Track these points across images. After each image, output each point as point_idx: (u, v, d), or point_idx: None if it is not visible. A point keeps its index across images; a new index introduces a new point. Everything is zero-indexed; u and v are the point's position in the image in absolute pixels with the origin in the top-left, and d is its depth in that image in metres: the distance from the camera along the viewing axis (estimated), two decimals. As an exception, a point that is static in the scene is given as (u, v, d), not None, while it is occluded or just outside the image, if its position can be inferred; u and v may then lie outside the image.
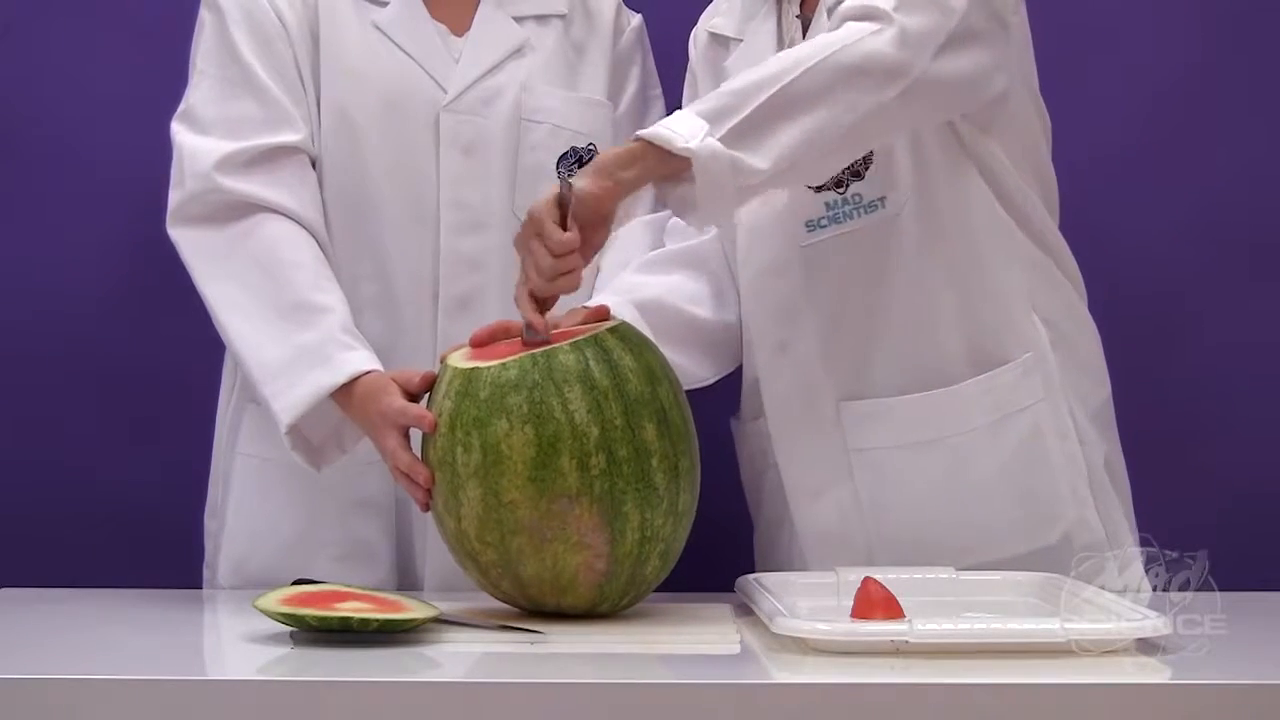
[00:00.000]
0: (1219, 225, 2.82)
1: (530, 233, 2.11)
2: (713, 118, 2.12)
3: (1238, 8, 2.82)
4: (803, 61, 2.14)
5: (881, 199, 2.31)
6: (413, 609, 2.04)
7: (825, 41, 2.16)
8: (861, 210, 2.31)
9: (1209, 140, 2.82)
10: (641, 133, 2.13)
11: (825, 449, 2.36)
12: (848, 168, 2.28)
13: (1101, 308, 2.42)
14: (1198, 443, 2.81)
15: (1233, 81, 2.82)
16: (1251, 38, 2.83)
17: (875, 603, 2.01)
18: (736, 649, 1.98)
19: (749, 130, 2.11)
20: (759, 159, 2.12)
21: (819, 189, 2.31)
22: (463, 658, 1.97)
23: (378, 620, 1.99)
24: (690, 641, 2.02)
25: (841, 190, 2.31)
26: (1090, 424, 2.35)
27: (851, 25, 2.16)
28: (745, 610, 2.15)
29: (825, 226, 2.33)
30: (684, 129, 2.11)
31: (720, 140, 2.10)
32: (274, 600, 2.01)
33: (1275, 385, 2.82)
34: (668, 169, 2.11)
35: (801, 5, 2.38)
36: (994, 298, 2.33)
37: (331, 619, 1.98)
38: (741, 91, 2.14)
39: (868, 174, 2.30)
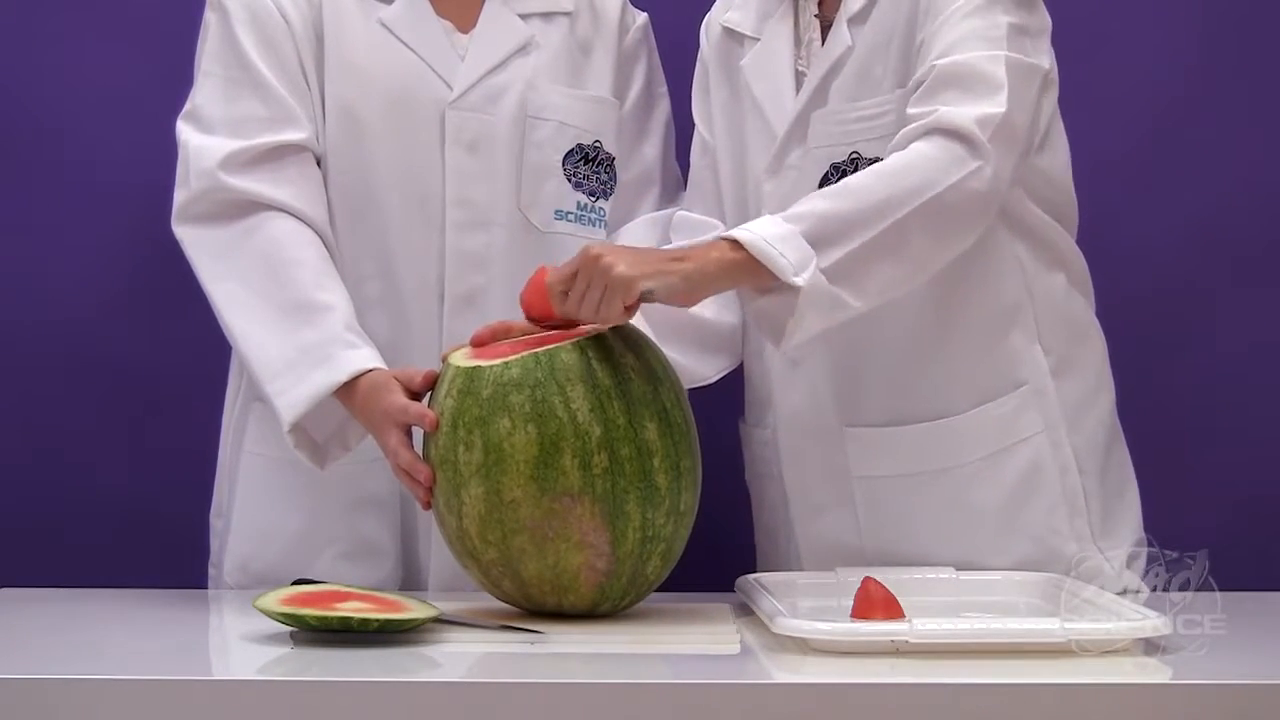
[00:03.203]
0: (1220, 230, 2.81)
1: (601, 287, 2.07)
2: (818, 243, 2.08)
3: (1238, 12, 2.81)
4: (909, 199, 2.10)
5: None
6: (413, 609, 2.04)
7: (926, 179, 2.12)
8: None
9: (1210, 144, 2.81)
10: (743, 241, 2.08)
11: (830, 469, 2.36)
12: None
13: (1102, 312, 2.41)
14: (1198, 444, 2.80)
15: (1234, 85, 2.81)
16: (1252, 42, 2.82)
17: (875, 603, 2.02)
18: (736, 649, 1.98)
19: (853, 266, 2.09)
20: (857, 298, 2.11)
21: None
22: (463, 658, 1.97)
23: (378, 620, 1.99)
24: (690, 641, 2.02)
25: None
26: (1091, 454, 2.33)
27: (944, 149, 2.13)
28: (745, 610, 2.15)
29: None
30: (793, 255, 2.07)
31: (824, 271, 2.08)
32: (274, 600, 2.01)
33: (1275, 387, 2.82)
34: (766, 288, 2.10)
35: (820, 5, 2.37)
36: (997, 330, 2.31)
37: (331, 619, 1.98)
38: (848, 220, 2.10)
39: None
